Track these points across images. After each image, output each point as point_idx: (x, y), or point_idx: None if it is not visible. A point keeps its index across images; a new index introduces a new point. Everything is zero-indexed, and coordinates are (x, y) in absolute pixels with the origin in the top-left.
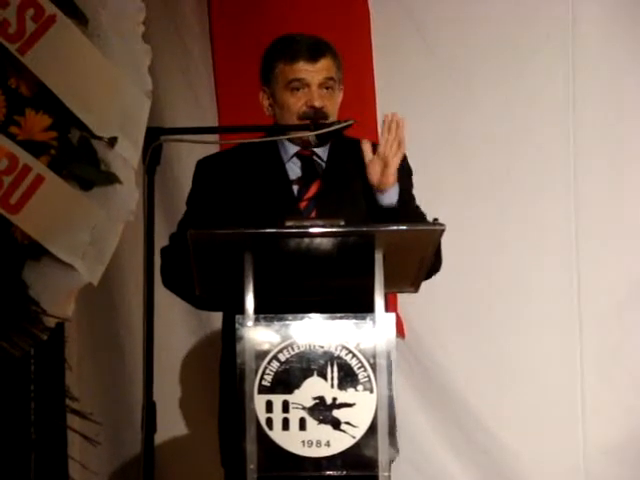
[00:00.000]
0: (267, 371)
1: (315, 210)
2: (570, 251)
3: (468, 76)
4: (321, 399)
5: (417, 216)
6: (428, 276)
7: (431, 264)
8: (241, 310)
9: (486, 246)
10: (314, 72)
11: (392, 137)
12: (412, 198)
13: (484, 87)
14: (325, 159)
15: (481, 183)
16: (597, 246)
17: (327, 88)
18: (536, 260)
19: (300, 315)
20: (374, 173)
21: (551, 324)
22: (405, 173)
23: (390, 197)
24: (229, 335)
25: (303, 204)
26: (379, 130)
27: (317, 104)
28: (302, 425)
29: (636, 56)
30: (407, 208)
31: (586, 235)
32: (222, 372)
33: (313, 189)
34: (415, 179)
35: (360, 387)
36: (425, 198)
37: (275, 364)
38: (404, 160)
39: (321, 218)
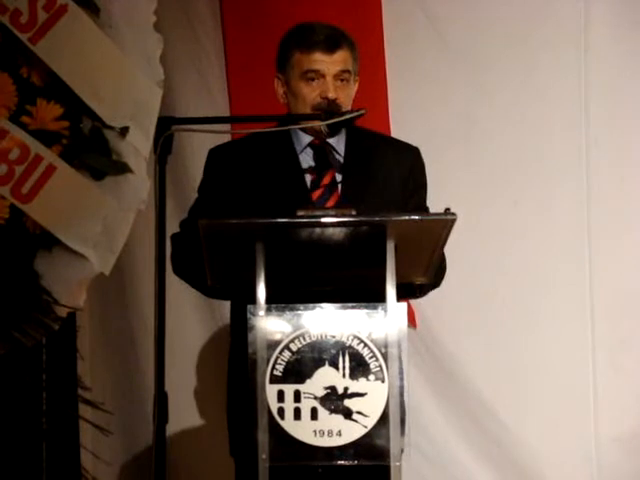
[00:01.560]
0: (279, 361)
1: (336, 199)
2: (582, 242)
3: (480, 69)
4: (333, 389)
5: None
6: (431, 288)
7: (441, 260)
8: (252, 300)
9: (498, 237)
10: (330, 63)
11: None
12: (426, 208)
13: (496, 80)
14: (342, 150)
15: (492, 176)
16: (609, 238)
17: (342, 80)
18: (548, 252)
19: (312, 305)
20: None
21: (563, 315)
22: (418, 171)
23: None
24: (238, 325)
25: (317, 193)
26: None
27: (331, 96)
28: (314, 415)
29: None
30: None
31: (598, 227)
32: (231, 362)
33: (327, 178)
34: (427, 172)
35: (372, 377)
36: (437, 191)
37: (287, 354)
38: (417, 154)
39: (334, 208)
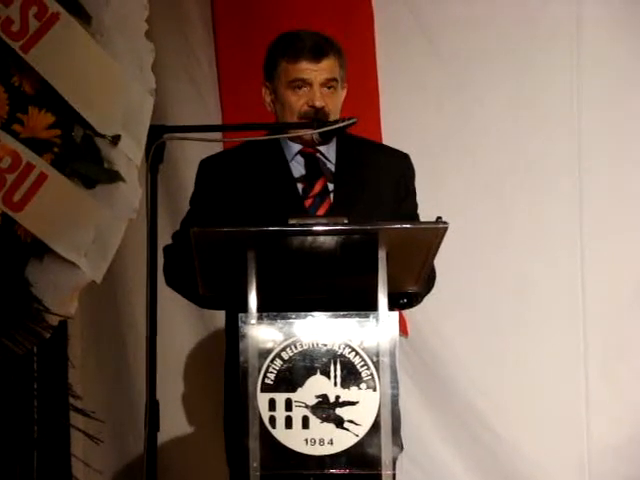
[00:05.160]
0: (270, 369)
1: (327, 208)
2: (575, 248)
3: (472, 75)
4: (324, 397)
5: None
6: (424, 296)
7: (431, 270)
8: (244, 308)
9: (490, 244)
10: (316, 72)
11: None
12: (417, 215)
13: (488, 86)
14: (333, 158)
15: (485, 181)
16: (602, 243)
17: (329, 88)
18: (540, 258)
19: (303, 313)
20: None
21: (555, 322)
22: (409, 178)
23: None
24: (232, 333)
25: (308, 202)
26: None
27: (318, 104)
28: (305, 423)
29: None
30: None
31: (591, 232)
32: (226, 370)
33: (317, 187)
34: (419, 177)
35: (363, 385)
36: (429, 196)
37: (278, 362)
38: (407, 161)
39: (326, 216)
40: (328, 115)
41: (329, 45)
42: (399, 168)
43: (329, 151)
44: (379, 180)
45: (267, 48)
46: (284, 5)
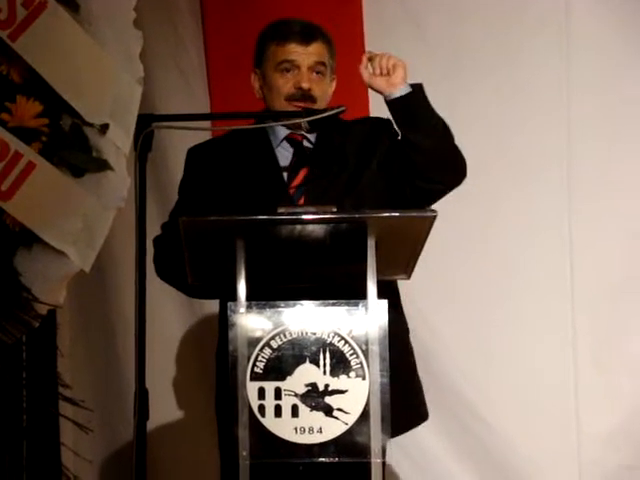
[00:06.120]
0: (259, 358)
1: (304, 196)
2: (563, 238)
3: (460, 63)
4: (313, 386)
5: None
6: (455, 184)
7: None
8: (233, 297)
9: (479, 233)
10: (305, 54)
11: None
12: None
13: (476, 74)
14: (313, 143)
15: (473, 171)
16: (591, 233)
17: (317, 73)
18: (529, 247)
19: (292, 302)
20: (379, 87)
21: (544, 312)
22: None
23: (401, 90)
24: (225, 322)
25: (291, 191)
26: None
27: (305, 85)
28: (294, 412)
29: (629, 42)
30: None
31: (580, 222)
32: (218, 359)
33: (301, 175)
34: None
35: (352, 374)
36: None
37: (267, 351)
38: (388, 123)
39: (311, 204)
40: (315, 100)
41: (318, 31)
42: (378, 129)
43: (314, 137)
44: (360, 157)
45: (257, 36)
46: None
